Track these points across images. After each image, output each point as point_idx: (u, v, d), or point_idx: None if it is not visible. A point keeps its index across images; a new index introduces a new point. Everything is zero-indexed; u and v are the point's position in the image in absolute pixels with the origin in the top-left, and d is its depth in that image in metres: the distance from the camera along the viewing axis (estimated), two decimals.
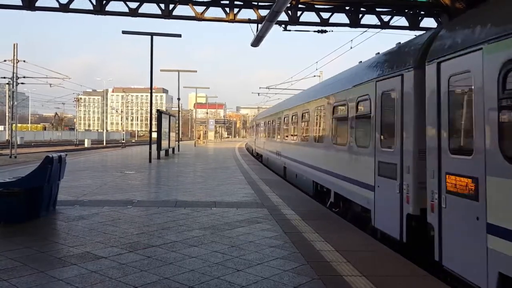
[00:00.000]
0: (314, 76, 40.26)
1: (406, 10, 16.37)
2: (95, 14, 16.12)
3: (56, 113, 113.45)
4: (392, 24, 16.51)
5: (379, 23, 16.38)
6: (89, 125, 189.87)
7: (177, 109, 44.18)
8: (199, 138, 59.51)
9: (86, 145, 62.63)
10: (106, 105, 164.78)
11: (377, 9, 16.42)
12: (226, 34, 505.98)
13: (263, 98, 63.85)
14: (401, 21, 16.78)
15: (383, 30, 16.52)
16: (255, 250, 5.67)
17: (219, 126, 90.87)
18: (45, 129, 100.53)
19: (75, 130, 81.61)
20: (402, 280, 4.70)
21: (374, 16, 16.56)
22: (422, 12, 16.50)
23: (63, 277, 4.54)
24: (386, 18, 16.51)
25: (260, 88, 79.75)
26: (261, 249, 5.75)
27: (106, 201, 9.38)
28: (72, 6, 15.85)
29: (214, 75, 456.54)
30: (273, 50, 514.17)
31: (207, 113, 74.43)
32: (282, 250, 5.70)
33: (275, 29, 19.58)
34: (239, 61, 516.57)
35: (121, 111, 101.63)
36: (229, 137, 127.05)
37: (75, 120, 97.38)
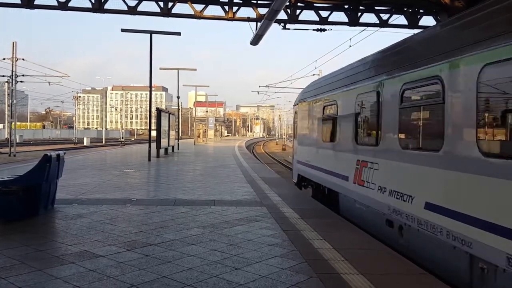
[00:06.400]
0: (314, 74, 40.23)
1: (405, 9, 16.38)
2: (93, 12, 16.12)
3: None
4: (391, 23, 16.54)
5: (378, 22, 16.39)
6: (88, 124, 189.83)
7: (177, 107, 44.13)
8: (198, 136, 59.44)
9: (85, 144, 62.67)
10: (105, 103, 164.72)
11: (376, 8, 16.44)
12: (226, 33, 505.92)
13: (262, 96, 63.85)
14: (400, 19, 16.79)
15: (382, 29, 16.53)
16: (254, 249, 5.68)
17: (219, 125, 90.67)
18: (44, 127, 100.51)
19: (74, 128, 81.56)
20: (399, 278, 4.71)
21: (373, 15, 16.58)
22: (421, 11, 16.52)
23: (61, 275, 4.55)
24: (385, 16, 16.53)
25: (259, 86, 79.59)
26: (260, 247, 5.75)
27: (104, 200, 9.37)
28: (70, 4, 15.85)
29: (214, 74, 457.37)
30: (272, 49, 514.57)
31: (206, 111, 74.32)
32: (280, 248, 5.70)
33: (275, 27, 19.53)
34: (239, 60, 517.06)
35: (121, 109, 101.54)
36: (229, 135, 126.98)
37: (74, 118, 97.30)
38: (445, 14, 14.56)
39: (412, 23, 16.41)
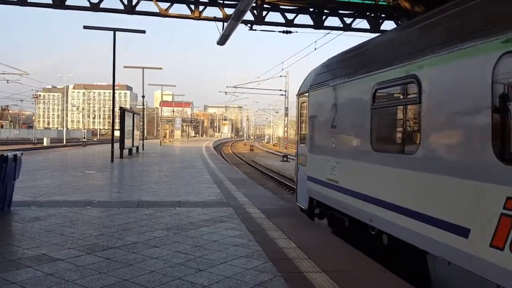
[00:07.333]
0: (281, 76, 40.68)
1: (367, 13, 16.84)
2: (54, 9, 15.61)
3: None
4: (354, 27, 16.95)
5: (341, 26, 16.76)
6: (48, 123, 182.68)
7: (142, 106, 43.29)
8: (165, 137, 58.53)
9: (45, 144, 60.28)
10: (67, 102, 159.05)
11: (340, 12, 16.82)
12: (193, 33, 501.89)
13: (230, 97, 63.73)
14: (363, 23, 17.30)
15: (346, 32, 16.91)
16: (219, 250, 5.67)
17: (186, 125, 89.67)
18: (1, 127, 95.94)
19: (34, 128, 78.33)
20: (360, 275, 4.84)
21: (337, 18, 16.96)
22: (383, 15, 17.03)
23: (17, 280, 4.37)
24: (348, 20, 16.94)
25: (227, 87, 79.43)
26: (225, 248, 5.75)
27: (64, 202, 9.07)
28: (30, 0, 15.24)
29: (181, 73, 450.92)
30: (240, 50, 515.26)
31: (173, 111, 73.28)
32: (245, 249, 5.72)
33: (242, 28, 19.51)
34: (207, 60, 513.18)
35: (82, 109, 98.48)
36: (196, 136, 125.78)
37: (33, 117, 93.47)
38: (405, 18, 15.08)
39: (375, 27, 16.88)
